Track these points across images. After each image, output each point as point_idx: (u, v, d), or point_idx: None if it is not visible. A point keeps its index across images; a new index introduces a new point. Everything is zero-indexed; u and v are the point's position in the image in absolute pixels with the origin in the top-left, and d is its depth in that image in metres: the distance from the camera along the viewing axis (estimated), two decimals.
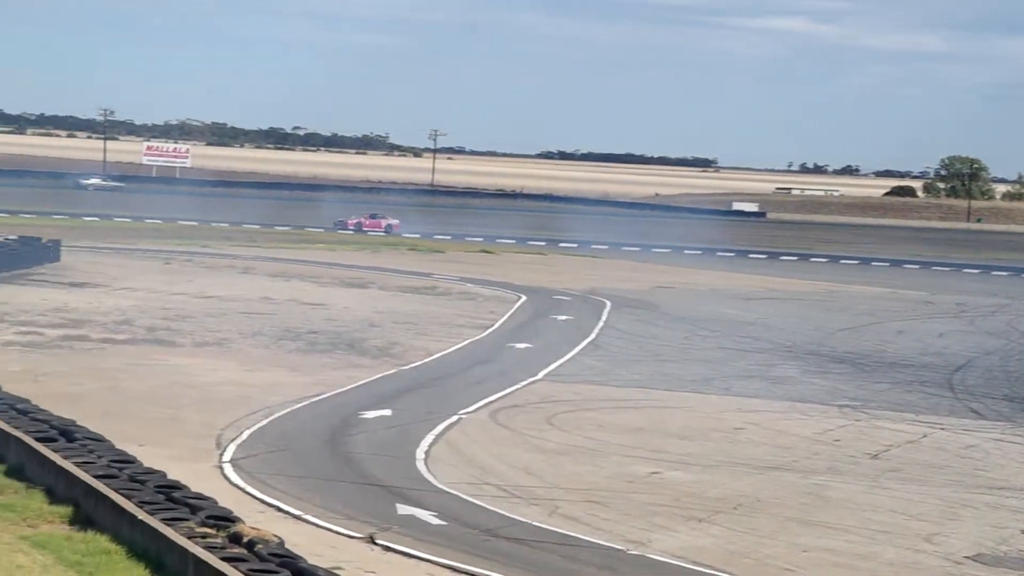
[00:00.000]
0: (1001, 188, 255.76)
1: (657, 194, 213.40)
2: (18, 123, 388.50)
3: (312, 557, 21.83)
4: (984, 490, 33.02)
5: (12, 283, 62.39)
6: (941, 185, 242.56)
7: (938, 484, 33.37)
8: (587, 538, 26.94)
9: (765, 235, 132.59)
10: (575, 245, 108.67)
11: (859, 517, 29.92)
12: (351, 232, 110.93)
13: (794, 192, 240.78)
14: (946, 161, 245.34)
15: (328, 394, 40.28)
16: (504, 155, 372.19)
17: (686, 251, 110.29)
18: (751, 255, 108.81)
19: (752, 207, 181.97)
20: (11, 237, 74.77)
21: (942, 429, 40.38)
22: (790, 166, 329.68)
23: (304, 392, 40.01)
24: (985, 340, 60.66)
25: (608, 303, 67.24)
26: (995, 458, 36.95)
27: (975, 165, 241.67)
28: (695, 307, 68.65)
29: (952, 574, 26.33)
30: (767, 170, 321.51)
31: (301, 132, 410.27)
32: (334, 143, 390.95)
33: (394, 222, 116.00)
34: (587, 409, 40.64)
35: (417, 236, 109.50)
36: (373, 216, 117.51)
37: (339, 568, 21.91)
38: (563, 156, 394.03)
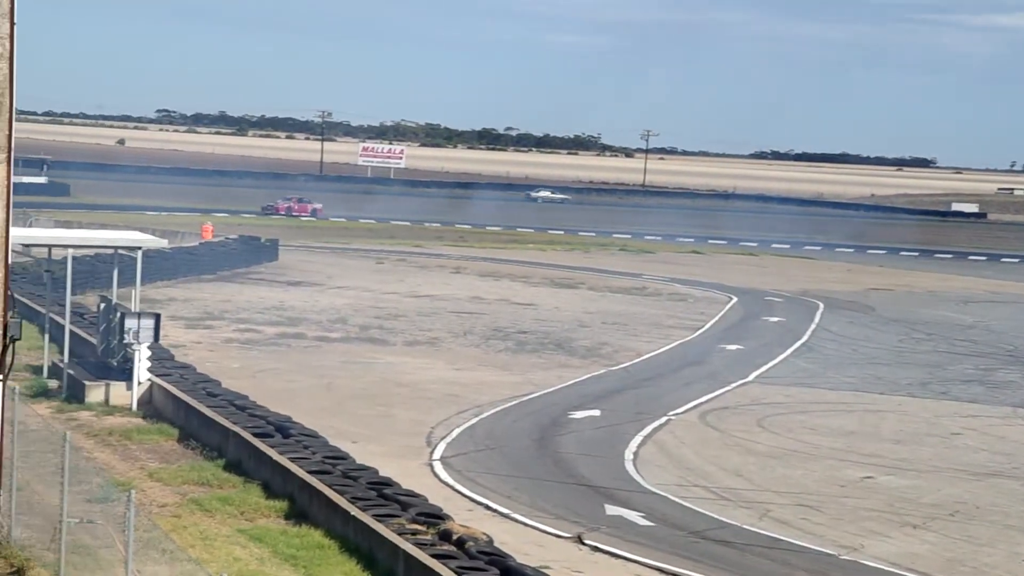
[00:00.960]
0: None
1: (873, 195, 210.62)
2: (240, 125, 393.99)
3: (520, 556, 21.94)
4: None
5: (233, 281, 63.54)
6: None
7: None
8: (798, 542, 26.80)
9: (986, 236, 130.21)
10: (787, 247, 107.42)
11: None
12: (282, 216, 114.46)
13: (1017, 192, 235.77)
14: None
15: (537, 393, 40.47)
16: (716, 155, 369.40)
17: (902, 252, 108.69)
18: (970, 257, 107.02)
19: (972, 208, 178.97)
20: (232, 237, 76.20)
21: None
22: (1013, 166, 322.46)
23: (513, 391, 40.26)
24: None
25: (821, 305, 66.75)
26: None
27: None
28: (911, 310, 67.87)
29: None
30: (988, 170, 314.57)
31: (513, 133, 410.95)
32: (546, 143, 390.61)
33: (318, 206, 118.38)
34: (798, 412, 40.35)
35: (628, 236, 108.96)
36: (300, 200, 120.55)
37: (547, 567, 21.95)
38: (776, 156, 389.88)
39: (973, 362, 51.68)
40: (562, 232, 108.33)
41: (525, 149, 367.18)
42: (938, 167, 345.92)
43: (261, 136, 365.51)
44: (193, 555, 20.71)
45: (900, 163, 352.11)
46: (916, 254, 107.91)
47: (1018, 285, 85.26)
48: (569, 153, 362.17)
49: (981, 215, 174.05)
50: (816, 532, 27.57)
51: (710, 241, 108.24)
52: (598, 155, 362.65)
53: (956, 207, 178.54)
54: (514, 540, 24.21)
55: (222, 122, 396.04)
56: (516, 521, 26.65)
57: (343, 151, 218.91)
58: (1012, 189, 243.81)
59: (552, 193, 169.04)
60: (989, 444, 37.45)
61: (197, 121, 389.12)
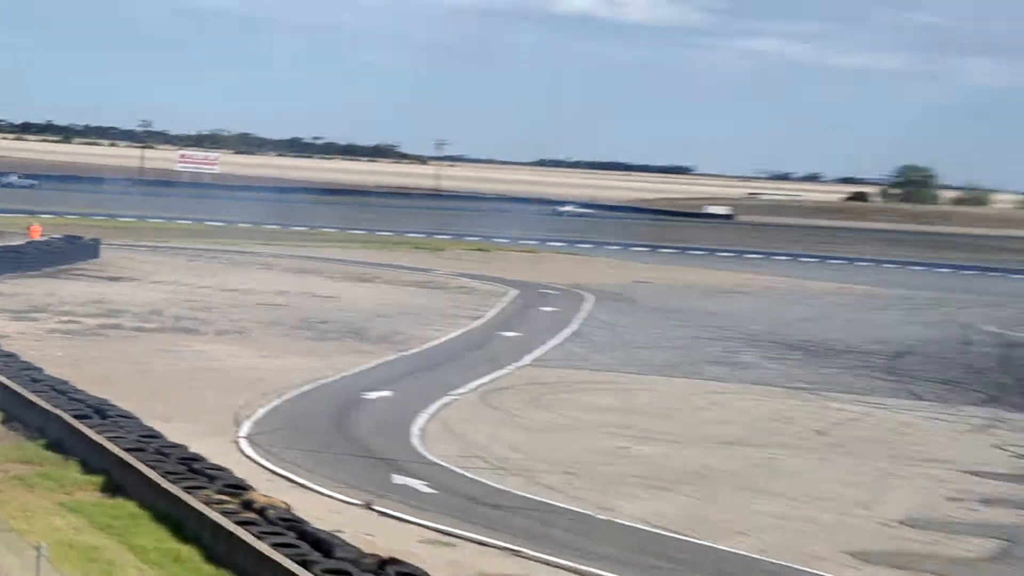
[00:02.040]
0: (948, 194, 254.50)
1: (643, 200, 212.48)
2: (65, 133, 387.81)
3: (316, 521, 22.17)
4: (916, 463, 33.42)
5: (56, 277, 62.61)
6: (895, 192, 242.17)
7: (876, 457, 33.80)
8: (561, 505, 27.33)
9: (735, 236, 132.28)
10: (563, 244, 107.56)
11: (805, 486, 30.33)
12: None
13: (762, 197, 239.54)
14: (900, 169, 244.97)
15: (336, 377, 40.57)
16: (502, 163, 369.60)
17: (661, 249, 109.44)
18: (719, 253, 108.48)
19: (723, 210, 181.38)
20: (56, 236, 75.14)
21: (883, 409, 40.77)
22: (760, 174, 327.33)
23: (315, 375, 40.30)
24: (926, 330, 60.87)
25: (591, 296, 67.41)
26: (928, 434, 37.41)
27: (926, 173, 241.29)
28: (669, 300, 68.85)
29: (885, 537, 26.68)
30: (739, 177, 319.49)
31: (319, 142, 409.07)
32: (349, 151, 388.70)
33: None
34: (567, 391, 40.94)
35: (421, 236, 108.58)
36: None
37: (340, 531, 22.17)
38: (555, 164, 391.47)
39: (719, 345, 52.78)
40: (362, 232, 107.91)
41: (330, 156, 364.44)
42: (697, 174, 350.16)
43: (86, 144, 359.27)
44: (14, 526, 20.80)
45: (663, 170, 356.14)
46: (673, 251, 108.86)
47: (759, 278, 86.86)
48: (369, 160, 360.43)
49: (730, 216, 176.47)
50: (578, 496, 28.14)
51: (493, 239, 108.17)
52: (395, 162, 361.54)
53: (709, 209, 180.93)
54: (311, 508, 24.38)
55: (49, 130, 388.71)
56: (313, 491, 26.88)
57: (163, 158, 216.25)
58: (758, 194, 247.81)
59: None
60: (730, 416, 38.46)
61: (25, 129, 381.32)
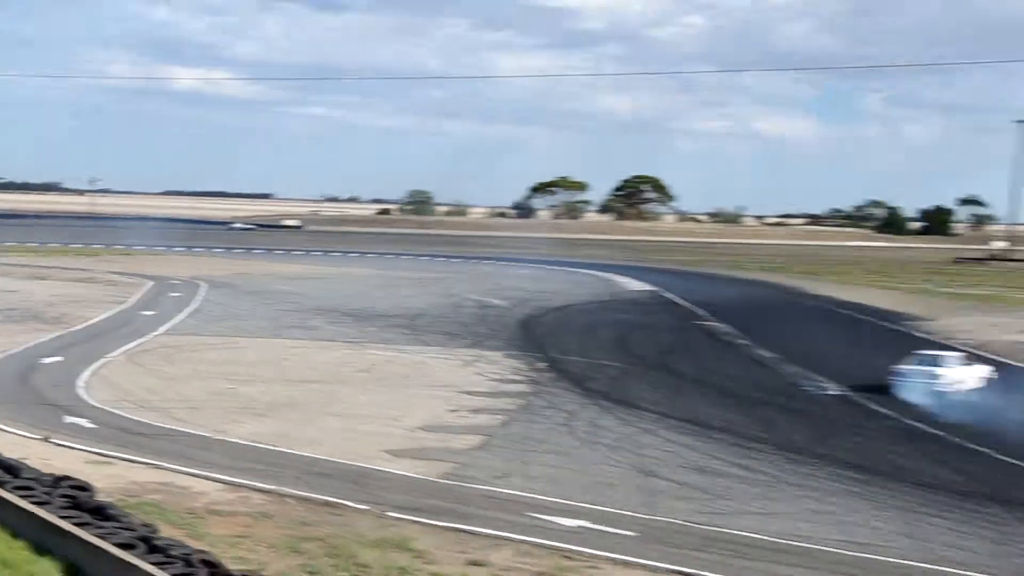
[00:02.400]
0: (441, 209, 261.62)
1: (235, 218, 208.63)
2: None
3: (5, 452, 20.81)
4: (429, 388, 33.81)
5: None
6: (408, 207, 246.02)
7: (403, 387, 33.99)
8: (188, 431, 26.58)
9: (304, 240, 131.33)
10: (183, 249, 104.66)
11: (357, 408, 30.30)
12: None
13: (321, 213, 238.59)
14: (410, 192, 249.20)
15: (19, 348, 38.24)
16: (139, 192, 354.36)
17: (255, 251, 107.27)
18: (294, 252, 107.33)
19: (295, 222, 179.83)
20: None
21: (406, 353, 41.07)
22: (321, 197, 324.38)
23: (2, 348, 37.91)
24: (431, 300, 61.74)
25: (205, 285, 65.45)
26: (435, 369, 37.77)
27: (427, 195, 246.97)
28: (259, 286, 67.47)
29: (408, 437, 26.96)
30: (310, 200, 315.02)
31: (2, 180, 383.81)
32: (15, 187, 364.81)
33: None
34: (190, 351, 39.64)
35: (80, 245, 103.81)
36: None
37: (25, 459, 20.88)
38: (180, 193, 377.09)
39: (295, 316, 52.02)
40: (35, 244, 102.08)
41: (9, 190, 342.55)
42: (279, 198, 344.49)
43: None
44: None
45: (252, 196, 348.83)
46: (262, 251, 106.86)
47: (320, 269, 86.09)
48: (37, 192, 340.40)
49: (300, 227, 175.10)
50: (200, 423, 27.40)
51: (134, 247, 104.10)
52: (59, 194, 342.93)
53: (285, 222, 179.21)
54: (2, 444, 22.96)
55: None
56: (3, 431, 25.32)
57: None
58: (319, 211, 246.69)
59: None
60: (306, 364, 37.97)
61: None
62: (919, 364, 35.57)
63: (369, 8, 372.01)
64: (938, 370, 35.16)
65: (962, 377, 35.55)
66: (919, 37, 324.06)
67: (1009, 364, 42.64)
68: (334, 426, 27.93)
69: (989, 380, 36.42)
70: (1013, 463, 26.54)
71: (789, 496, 23.00)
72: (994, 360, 43.18)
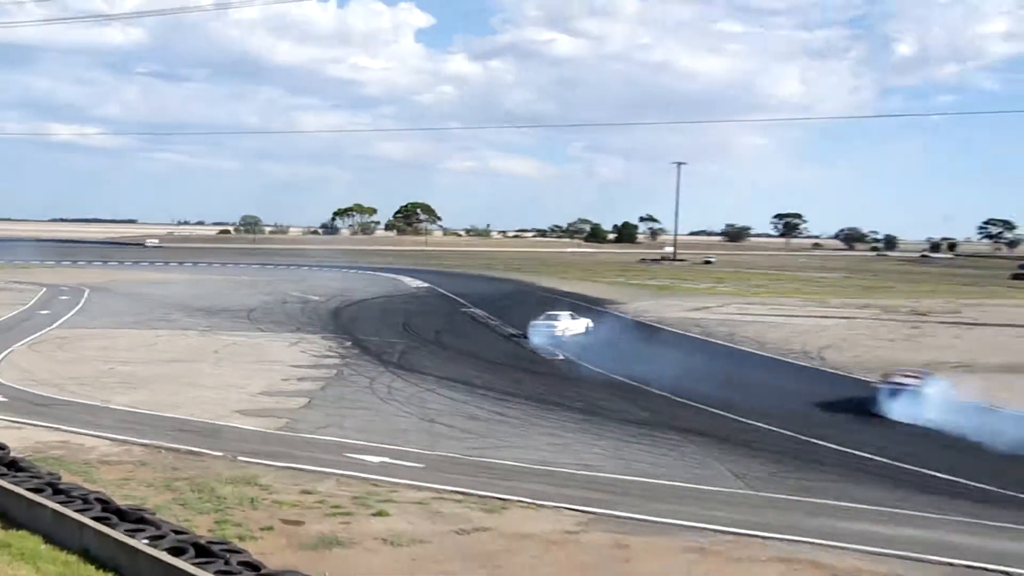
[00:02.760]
0: (267, 228, 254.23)
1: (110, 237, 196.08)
2: None
3: None
4: (266, 363, 32.86)
5: None
6: (242, 227, 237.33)
7: (246, 363, 32.95)
8: (80, 400, 25.13)
9: (164, 254, 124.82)
10: (69, 263, 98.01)
11: (211, 380, 29.19)
12: None
13: (175, 233, 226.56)
14: (243, 217, 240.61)
15: None
16: (24, 219, 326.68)
17: (111, 263, 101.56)
18: (156, 263, 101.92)
19: (155, 241, 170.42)
20: None
21: (247, 338, 39.73)
22: (174, 220, 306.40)
23: None
24: (264, 297, 59.92)
25: (88, 289, 61.36)
26: (270, 349, 36.66)
27: (257, 219, 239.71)
28: (131, 289, 63.70)
29: (252, 400, 26.20)
30: (169, 223, 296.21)
31: None
32: None
33: None
34: (79, 340, 37.16)
35: None
36: None
37: None
38: (65, 220, 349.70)
39: (160, 311, 49.50)
40: None
41: None
42: (143, 222, 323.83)
43: None
44: None
45: (121, 221, 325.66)
46: (131, 264, 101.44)
47: (178, 276, 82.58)
48: None
49: (159, 245, 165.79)
50: (88, 395, 25.91)
51: (30, 262, 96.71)
52: None
53: (148, 241, 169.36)
54: None
55: None
56: None
57: None
58: (173, 232, 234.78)
59: None
60: (171, 348, 36.25)
61: None
62: (545, 319, 41.84)
63: (207, 79, 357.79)
64: (555, 323, 41.36)
65: (571, 326, 41.67)
66: (608, 102, 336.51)
67: (676, 332, 44.89)
68: (194, 394, 26.86)
69: (588, 328, 42.89)
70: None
71: (535, 433, 23.59)
72: (669, 330, 45.41)
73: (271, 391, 27.80)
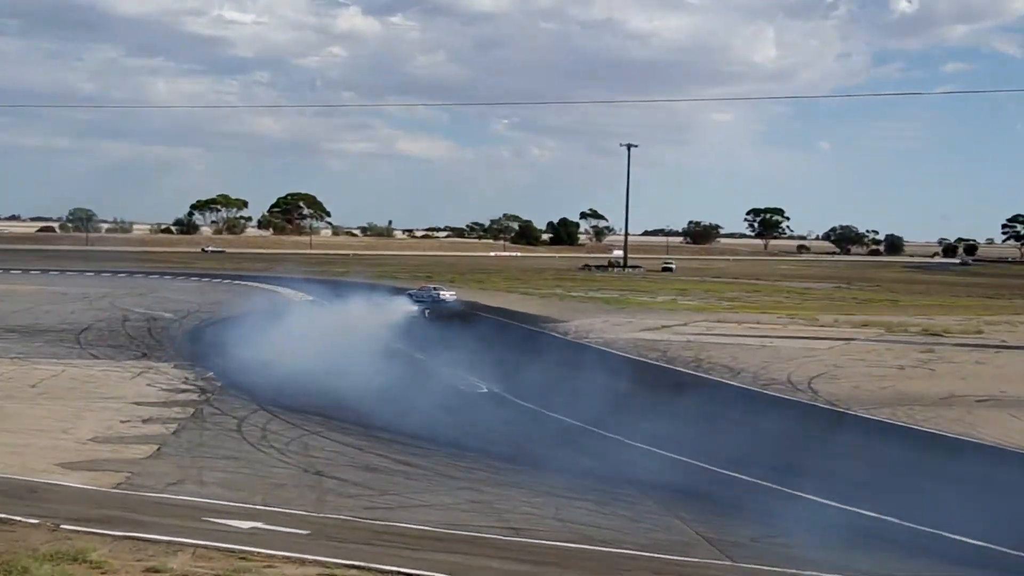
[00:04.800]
0: (104, 226, 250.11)
1: None
2: None
3: None
4: (100, 400, 32.07)
5: None
6: (70, 225, 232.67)
7: (73, 399, 32.07)
8: None
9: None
10: None
11: (26, 423, 28.28)
12: None
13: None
14: (73, 210, 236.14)
15: None
16: None
17: None
18: None
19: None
20: None
21: (75, 367, 38.80)
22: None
23: None
24: (99, 314, 58.72)
25: None
26: (105, 382, 35.83)
27: (90, 212, 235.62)
28: None
29: (80, 449, 25.42)
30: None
31: None
32: None
33: None
34: None
35: None
36: None
37: None
38: None
39: None
40: None
41: None
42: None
43: None
44: None
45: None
46: None
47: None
48: None
49: None
50: None
51: None
52: None
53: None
54: None
55: None
56: None
57: None
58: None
59: None
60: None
61: None
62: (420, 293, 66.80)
63: (21, 33, 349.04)
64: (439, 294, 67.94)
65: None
66: (539, 70, 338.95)
67: (628, 357, 45.10)
68: (3, 441, 25.88)
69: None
70: None
71: (449, 487, 23.28)
72: (619, 355, 45.61)
73: (107, 436, 26.95)
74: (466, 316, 64.44)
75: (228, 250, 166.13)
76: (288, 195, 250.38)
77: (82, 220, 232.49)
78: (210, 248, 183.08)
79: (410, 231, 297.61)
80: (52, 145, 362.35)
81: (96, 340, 46.94)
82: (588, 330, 56.16)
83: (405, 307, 64.60)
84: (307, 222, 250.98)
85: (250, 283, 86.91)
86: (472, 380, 38.19)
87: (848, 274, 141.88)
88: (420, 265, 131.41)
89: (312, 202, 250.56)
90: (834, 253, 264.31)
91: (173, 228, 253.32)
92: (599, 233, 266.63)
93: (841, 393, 36.59)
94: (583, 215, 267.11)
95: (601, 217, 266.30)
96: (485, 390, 36.49)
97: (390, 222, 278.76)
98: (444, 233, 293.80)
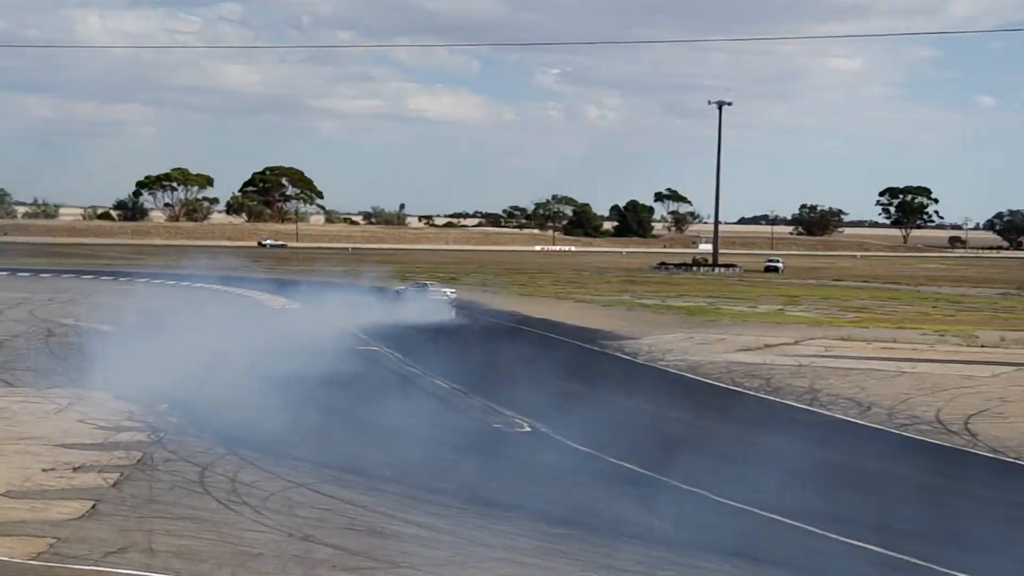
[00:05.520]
0: (22, 209, 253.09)
1: None
2: None
3: None
4: (13, 442, 32.15)
5: None
6: None
7: None
8: None
9: None
10: None
11: None
12: None
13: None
14: None
15: None
16: None
17: None
18: None
19: None
20: None
21: None
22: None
23: None
24: (12, 326, 59.30)
25: None
26: (22, 417, 35.91)
27: (3, 194, 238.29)
28: None
29: None
30: None
31: None
32: None
33: None
34: None
35: None
36: None
37: None
38: None
39: None
40: None
41: None
42: None
43: None
44: None
45: None
46: None
47: None
48: None
49: None
50: None
51: None
52: None
53: None
54: None
55: None
56: None
57: None
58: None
59: None
60: None
61: None
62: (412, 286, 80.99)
63: None
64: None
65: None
66: (598, 2, 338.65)
67: (720, 386, 44.92)
68: None
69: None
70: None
71: (480, 559, 23.27)
72: (709, 383, 45.53)
73: (23, 490, 27.05)
74: (501, 331, 64.46)
75: (187, 243, 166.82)
76: (266, 170, 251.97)
77: None
78: (268, 242, 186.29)
79: (428, 218, 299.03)
80: None
81: (10, 361, 47.35)
82: (665, 349, 56.06)
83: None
84: (292, 205, 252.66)
85: (219, 286, 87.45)
86: (511, 416, 38.19)
87: (1019, 276, 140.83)
88: (440, 262, 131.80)
89: (298, 178, 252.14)
90: (999, 248, 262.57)
91: (114, 213, 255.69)
92: (680, 221, 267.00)
93: (1009, 437, 36.24)
94: (658, 197, 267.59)
95: (682, 199, 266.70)
96: (528, 429, 36.47)
97: (402, 206, 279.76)
98: (474, 221, 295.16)
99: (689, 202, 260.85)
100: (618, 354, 55.05)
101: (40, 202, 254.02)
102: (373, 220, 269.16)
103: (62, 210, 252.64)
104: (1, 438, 32.63)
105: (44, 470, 29.04)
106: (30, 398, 39.18)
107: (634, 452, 32.30)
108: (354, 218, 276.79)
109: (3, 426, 34.47)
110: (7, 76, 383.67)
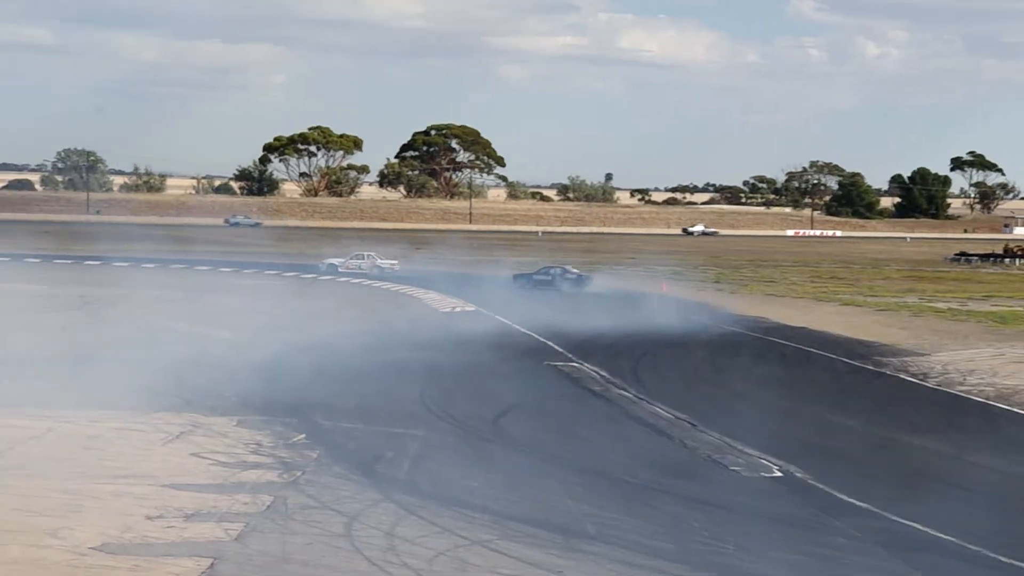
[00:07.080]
0: (119, 180, 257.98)
1: None
2: None
3: None
4: (107, 479, 32.91)
5: None
6: (59, 178, 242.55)
7: (65, 478, 32.98)
8: None
9: None
10: None
11: None
12: None
13: None
14: (62, 154, 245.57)
15: None
16: None
17: None
18: None
19: None
20: None
21: (68, 421, 39.94)
22: None
23: None
24: (112, 329, 60.55)
25: None
26: (121, 448, 36.73)
27: (91, 158, 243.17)
28: None
29: (77, 566, 26.10)
30: None
31: None
32: None
33: None
34: None
35: None
36: None
37: None
38: None
39: None
40: None
41: None
42: None
43: None
44: None
45: None
46: None
47: None
48: None
49: None
50: None
51: None
52: None
53: None
54: None
55: None
56: None
57: None
58: None
59: None
60: None
61: None
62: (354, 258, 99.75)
63: None
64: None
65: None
66: None
67: None
68: None
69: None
70: None
71: None
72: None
73: (122, 543, 27.70)
74: (741, 344, 64.27)
75: (331, 224, 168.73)
76: (431, 129, 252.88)
77: (78, 169, 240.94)
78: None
79: (643, 192, 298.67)
80: (17, 38, 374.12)
81: (104, 376, 48.27)
82: (966, 370, 55.22)
83: None
84: (464, 176, 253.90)
85: (376, 282, 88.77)
86: (755, 456, 38.02)
87: None
88: (672, 251, 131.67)
89: (473, 140, 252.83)
90: None
91: (235, 184, 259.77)
92: (986, 196, 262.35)
93: None
94: (957, 164, 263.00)
95: (990, 167, 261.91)
96: (779, 474, 36.27)
97: (608, 177, 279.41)
98: (705, 197, 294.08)
99: (1000, 171, 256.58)
100: (900, 375, 54.32)
101: (142, 171, 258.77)
102: (571, 195, 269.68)
103: (169, 181, 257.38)
104: (95, 475, 33.50)
105: (148, 518, 29.66)
106: (131, 424, 39.96)
107: (929, 509, 31.87)
108: (545, 193, 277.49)
109: (96, 460, 35.35)
110: (101, 8, 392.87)
